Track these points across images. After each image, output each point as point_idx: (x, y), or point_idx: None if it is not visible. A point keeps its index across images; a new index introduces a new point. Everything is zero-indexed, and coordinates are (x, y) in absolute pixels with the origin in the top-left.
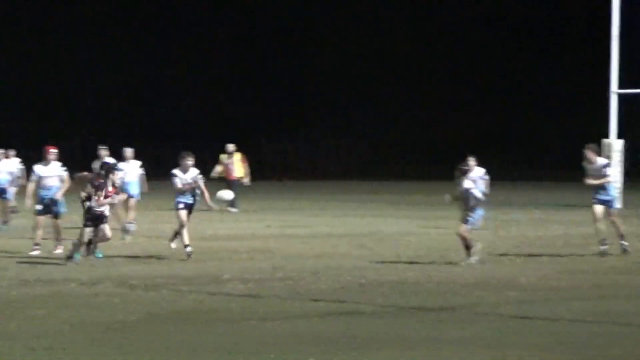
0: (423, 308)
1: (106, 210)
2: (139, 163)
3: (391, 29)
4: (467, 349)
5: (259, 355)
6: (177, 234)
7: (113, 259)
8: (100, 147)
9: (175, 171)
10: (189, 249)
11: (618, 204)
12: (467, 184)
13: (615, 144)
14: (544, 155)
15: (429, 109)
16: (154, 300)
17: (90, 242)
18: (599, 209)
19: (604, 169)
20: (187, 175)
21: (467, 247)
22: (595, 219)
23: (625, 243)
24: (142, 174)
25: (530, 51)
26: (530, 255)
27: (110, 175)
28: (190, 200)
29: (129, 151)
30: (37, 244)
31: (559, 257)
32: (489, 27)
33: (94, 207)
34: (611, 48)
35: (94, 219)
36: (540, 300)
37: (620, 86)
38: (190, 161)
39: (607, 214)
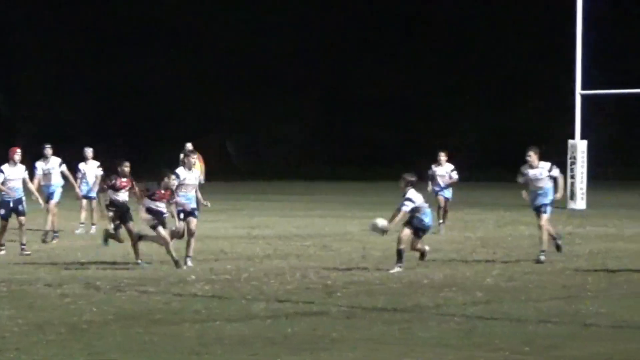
0: (390, 309)
1: (164, 209)
2: (97, 163)
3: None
4: (434, 350)
5: (226, 356)
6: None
7: (80, 260)
8: (45, 145)
9: (179, 170)
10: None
11: (549, 209)
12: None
13: (580, 145)
14: (508, 156)
15: (384, 108)
16: (120, 302)
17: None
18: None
19: (549, 172)
20: (191, 174)
21: (400, 254)
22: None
23: (542, 255)
24: (101, 175)
25: (494, 51)
26: (496, 255)
27: (165, 179)
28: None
29: (89, 151)
30: (1, 245)
31: (526, 257)
32: (447, 22)
33: (153, 208)
34: (575, 50)
35: (158, 219)
36: (507, 300)
37: (584, 87)
38: (193, 159)
39: (540, 218)
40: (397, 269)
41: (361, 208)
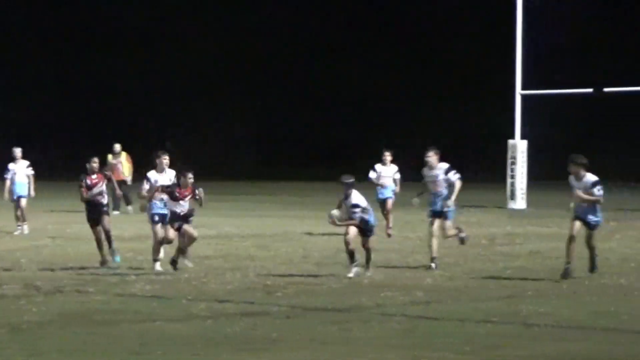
0: (331, 308)
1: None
2: (27, 163)
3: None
4: (375, 350)
5: (166, 357)
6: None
7: (19, 261)
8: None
9: (150, 174)
10: (157, 265)
11: (452, 215)
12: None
13: (520, 145)
14: (449, 156)
15: (318, 109)
16: (60, 302)
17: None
18: (437, 223)
19: (446, 175)
20: (163, 176)
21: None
22: (431, 234)
23: (433, 264)
24: (31, 174)
25: (434, 52)
26: (437, 255)
27: (182, 178)
28: (165, 210)
29: (17, 151)
30: None
31: (467, 257)
32: (391, 25)
33: (175, 209)
34: (515, 50)
35: (179, 220)
36: (448, 300)
37: (524, 87)
38: (166, 160)
39: (442, 226)
40: (354, 270)
41: (301, 208)
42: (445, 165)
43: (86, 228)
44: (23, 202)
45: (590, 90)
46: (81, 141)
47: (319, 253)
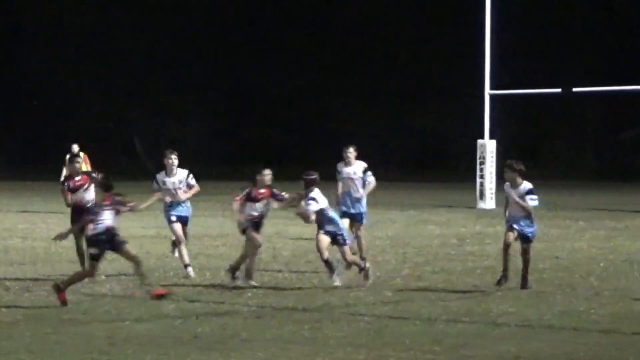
0: (300, 308)
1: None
2: None
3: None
4: (344, 349)
5: (136, 356)
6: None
7: None
8: None
9: (159, 175)
10: (189, 269)
11: (366, 220)
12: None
13: (489, 145)
14: (418, 156)
15: (285, 108)
16: (29, 302)
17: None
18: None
19: (363, 174)
20: (173, 178)
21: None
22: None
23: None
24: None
25: (405, 51)
26: (406, 255)
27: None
28: (183, 212)
29: None
30: None
31: (435, 257)
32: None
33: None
34: (484, 49)
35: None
36: (417, 300)
37: (493, 87)
38: (172, 160)
39: (356, 227)
40: (336, 279)
41: None
42: (363, 164)
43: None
44: None
45: (559, 90)
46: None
47: (288, 253)
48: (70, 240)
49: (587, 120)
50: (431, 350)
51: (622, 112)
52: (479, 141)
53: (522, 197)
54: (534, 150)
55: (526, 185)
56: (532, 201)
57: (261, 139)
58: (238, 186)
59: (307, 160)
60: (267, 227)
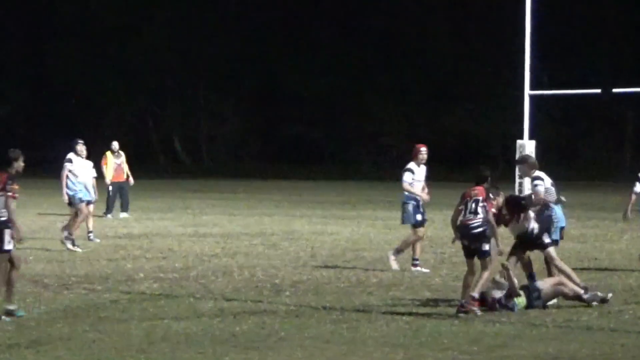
0: (338, 308)
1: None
2: None
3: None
4: (382, 349)
5: (173, 354)
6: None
7: (27, 257)
8: None
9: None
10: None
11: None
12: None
13: (529, 145)
14: (456, 156)
15: (320, 106)
16: (68, 299)
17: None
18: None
19: None
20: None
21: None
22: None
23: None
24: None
25: (443, 50)
26: (444, 255)
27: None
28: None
29: None
30: None
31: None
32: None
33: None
34: (525, 49)
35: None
36: (455, 300)
37: (533, 87)
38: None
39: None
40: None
41: (306, 207)
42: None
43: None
44: None
45: (599, 90)
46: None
47: (326, 252)
48: (116, 238)
49: (627, 121)
50: (469, 350)
51: None
52: (518, 141)
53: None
54: (572, 150)
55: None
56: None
57: (297, 137)
58: (273, 185)
59: (343, 160)
60: (305, 225)
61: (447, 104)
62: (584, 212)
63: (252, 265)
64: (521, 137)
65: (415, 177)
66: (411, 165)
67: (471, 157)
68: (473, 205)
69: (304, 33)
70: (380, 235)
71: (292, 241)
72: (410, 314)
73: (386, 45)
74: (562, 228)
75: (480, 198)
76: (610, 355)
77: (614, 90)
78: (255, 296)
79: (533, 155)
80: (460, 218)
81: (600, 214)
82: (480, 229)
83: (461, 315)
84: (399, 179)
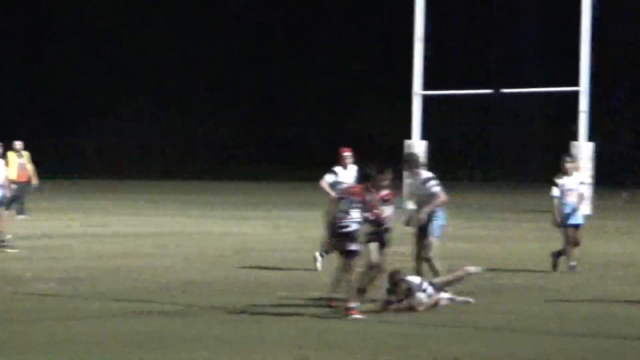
0: (227, 308)
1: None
2: None
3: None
4: (271, 349)
5: (58, 356)
6: None
7: None
8: None
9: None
10: None
11: None
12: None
13: (418, 145)
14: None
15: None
16: None
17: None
18: None
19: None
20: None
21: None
22: None
23: None
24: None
25: (334, 52)
26: (334, 255)
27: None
28: None
29: None
30: None
31: None
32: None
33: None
34: (415, 49)
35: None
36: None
37: (424, 87)
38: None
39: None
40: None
41: (197, 207)
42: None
43: None
44: None
45: (490, 90)
46: None
47: (215, 252)
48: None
49: (518, 121)
50: (359, 350)
51: (552, 114)
52: (407, 142)
53: (420, 187)
54: (464, 151)
55: (425, 174)
56: (436, 188)
57: (292, 138)
58: (176, 186)
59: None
60: (195, 225)
61: (345, 106)
62: (473, 212)
63: (140, 266)
64: (411, 137)
65: (338, 179)
66: (336, 167)
67: (363, 157)
68: (347, 204)
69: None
70: (272, 235)
71: (182, 241)
72: (299, 314)
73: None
74: (441, 226)
75: (356, 198)
76: (512, 355)
77: (504, 90)
78: (144, 296)
79: (423, 155)
80: (335, 215)
81: (489, 214)
82: (348, 229)
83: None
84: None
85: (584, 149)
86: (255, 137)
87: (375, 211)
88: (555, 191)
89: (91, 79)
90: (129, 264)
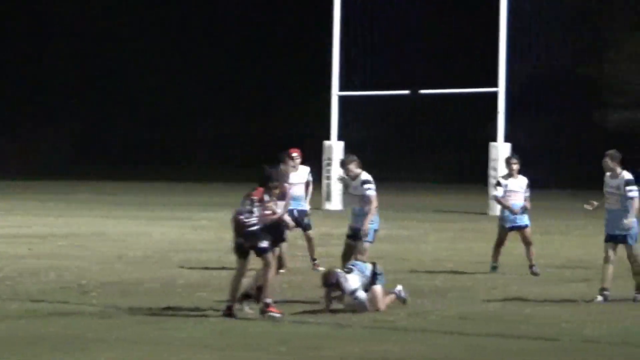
0: (146, 309)
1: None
2: None
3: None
4: (190, 350)
5: None
6: None
7: None
8: None
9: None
10: None
11: None
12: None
13: (336, 146)
14: (268, 158)
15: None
16: None
17: None
18: None
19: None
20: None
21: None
22: None
23: None
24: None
25: (251, 53)
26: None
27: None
28: None
29: None
30: None
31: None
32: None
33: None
34: (332, 50)
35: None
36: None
37: (342, 89)
38: None
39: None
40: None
41: (117, 207)
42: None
43: None
44: None
45: (407, 92)
46: None
47: (134, 253)
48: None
49: (435, 123)
50: (277, 351)
51: (469, 115)
52: (325, 142)
53: (357, 189)
54: (381, 151)
55: (364, 175)
56: (369, 191)
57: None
58: (97, 186)
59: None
60: (113, 226)
61: (259, 105)
62: (392, 213)
63: (59, 267)
64: (329, 138)
65: (292, 181)
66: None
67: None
68: (249, 205)
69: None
70: (189, 236)
71: (100, 242)
72: (218, 315)
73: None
74: (375, 230)
75: (256, 198)
76: (418, 355)
77: (422, 91)
78: (62, 297)
79: (341, 155)
80: (240, 217)
81: (408, 214)
82: (255, 227)
83: (226, 317)
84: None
85: (501, 150)
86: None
87: (267, 212)
88: (499, 191)
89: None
90: (48, 265)
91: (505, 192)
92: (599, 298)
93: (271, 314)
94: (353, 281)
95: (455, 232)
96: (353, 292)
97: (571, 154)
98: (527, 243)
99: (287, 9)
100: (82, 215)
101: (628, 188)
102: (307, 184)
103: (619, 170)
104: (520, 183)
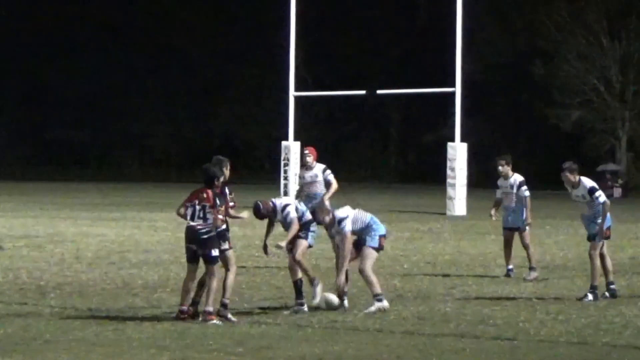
0: (104, 310)
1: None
2: None
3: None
4: (148, 351)
5: None
6: None
7: None
8: None
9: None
10: None
11: None
12: None
13: (293, 146)
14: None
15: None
16: None
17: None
18: None
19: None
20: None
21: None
22: None
23: None
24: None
25: (208, 52)
26: None
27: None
28: None
29: None
30: None
31: (240, 259)
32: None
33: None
34: (289, 51)
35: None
36: (217, 302)
37: (298, 89)
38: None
39: None
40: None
41: (72, 209)
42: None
43: None
44: None
45: (363, 92)
46: None
47: (92, 254)
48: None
49: (392, 123)
50: (234, 352)
51: (425, 115)
52: (283, 143)
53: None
54: (338, 151)
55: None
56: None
57: (63, 140)
58: (38, 188)
59: (108, 162)
60: (70, 227)
61: (213, 105)
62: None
63: (16, 267)
64: (286, 139)
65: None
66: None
67: (237, 159)
68: (201, 211)
69: (67, 35)
70: (145, 236)
71: (57, 243)
72: (173, 315)
73: (152, 46)
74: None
75: (208, 205)
76: (375, 355)
77: (378, 91)
78: (20, 298)
79: (298, 155)
80: (190, 221)
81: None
82: (209, 235)
83: (179, 320)
84: (164, 180)
85: (459, 150)
86: (23, 138)
87: (220, 217)
88: (498, 193)
89: None
90: (5, 266)
91: (502, 193)
92: (590, 297)
93: (212, 322)
94: (342, 211)
95: (412, 232)
96: (341, 220)
97: (527, 153)
98: (522, 246)
99: (243, 9)
100: (37, 217)
101: (595, 195)
102: (327, 183)
103: (577, 179)
104: (509, 183)
